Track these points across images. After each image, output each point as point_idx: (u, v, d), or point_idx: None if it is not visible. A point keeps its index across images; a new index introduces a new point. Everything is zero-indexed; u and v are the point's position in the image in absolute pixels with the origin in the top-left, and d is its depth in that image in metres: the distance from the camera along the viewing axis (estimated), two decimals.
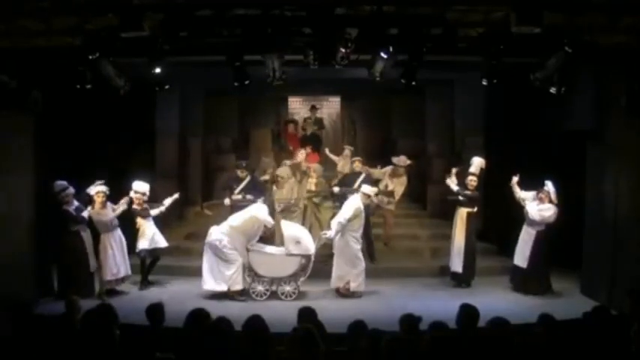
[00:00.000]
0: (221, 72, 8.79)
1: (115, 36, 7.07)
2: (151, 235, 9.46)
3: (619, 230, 8.49)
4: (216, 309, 5.59)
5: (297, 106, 15.11)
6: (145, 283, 9.47)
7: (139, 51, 7.75)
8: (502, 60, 7.98)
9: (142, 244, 9.40)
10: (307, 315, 5.61)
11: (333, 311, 7.58)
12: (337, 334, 5.32)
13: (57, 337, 5.08)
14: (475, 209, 9.73)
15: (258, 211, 9.14)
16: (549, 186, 9.20)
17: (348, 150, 12.26)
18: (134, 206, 9.41)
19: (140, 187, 9.48)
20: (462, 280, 9.71)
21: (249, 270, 8.99)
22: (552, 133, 10.27)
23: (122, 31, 6.76)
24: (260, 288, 8.97)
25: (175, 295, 8.89)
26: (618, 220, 8.52)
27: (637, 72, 7.84)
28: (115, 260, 9.03)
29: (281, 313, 6.78)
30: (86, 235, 8.97)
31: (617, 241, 8.51)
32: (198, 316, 4.88)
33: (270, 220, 9.21)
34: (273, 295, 9.04)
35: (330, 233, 9.02)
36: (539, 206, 9.20)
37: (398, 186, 10.84)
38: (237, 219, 9.07)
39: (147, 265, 9.52)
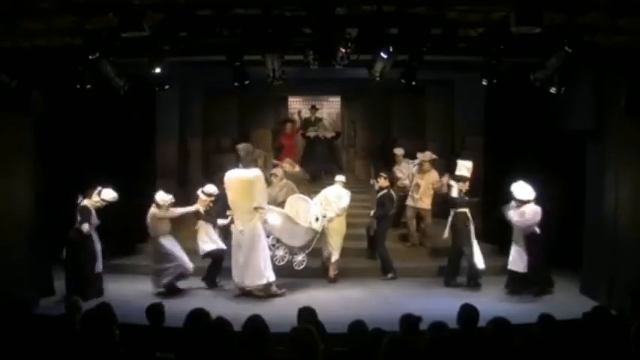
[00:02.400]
0: (221, 72, 8.79)
1: (115, 36, 7.06)
2: (213, 237, 9.51)
3: (619, 230, 8.49)
4: (216, 309, 5.59)
5: (297, 106, 15.10)
6: (212, 283, 9.55)
7: (139, 51, 7.76)
8: (502, 60, 7.99)
9: (208, 246, 9.43)
10: (307, 315, 5.62)
11: (333, 311, 7.57)
12: (337, 334, 5.32)
13: (57, 337, 5.08)
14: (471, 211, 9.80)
15: (240, 172, 9.12)
16: (513, 190, 9.11)
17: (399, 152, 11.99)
18: (200, 208, 9.44)
19: (211, 190, 9.52)
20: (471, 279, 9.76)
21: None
22: (552, 133, 10.27)
23: (122, 31, 6.75)
24: (281, 252, 9.48)
25: (175, 295, 8.90)
26: (618, 220, 8.51)
27: (637, 72, 7.84)
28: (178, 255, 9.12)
29: (281, 313, 6.78)
30: (96, 236, 8.96)
31: (617, 241, 8.51)
32: (198, 316, 4.88)
33: (257, 171, 9.27)
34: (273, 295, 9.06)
35: (331, 216, 9.88)
36: (519, 210, 9.06)
37: (426, 180, 10.91)
38: (233, 194, 9.03)
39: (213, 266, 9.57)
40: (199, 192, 9.57)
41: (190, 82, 12.17)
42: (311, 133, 13.56)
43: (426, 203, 10.99)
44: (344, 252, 10.30)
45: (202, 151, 13.27)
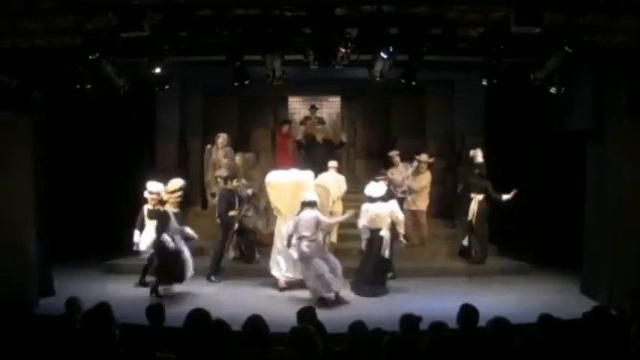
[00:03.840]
0: (221, 72, 8.79)
1: (115, 36, 7.07)
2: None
3: (619, 230, 8.48)
4: (216, 309, 5.59)
5: (297, 106, 15.07)
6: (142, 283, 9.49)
7: (139, 51, 7.76)
8: (502, 60, 7.99)
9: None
10: (307, 315, 5.61)
11: (333, 311, 7.58)
12: (337, 334, 5.33)
13: (57, 337, 5.08)
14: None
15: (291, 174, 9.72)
16: (366, 188, 9.48)
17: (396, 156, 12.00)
18: (148, 207, 9.37)
19: (154, 187, 9.44)
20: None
21: None
22: (552, 133, 10.27)
23: (122, 31, 6.75)
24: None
25: (175, 295, 8.90)
26: (618, 220, 8.51)
27: (637, 72, 7.84)
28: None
29: (281, 313, 6.78)
30: (178, 238, 9.01)
31: (617, 241, 8.51)
32: (198, 316, 4.88)
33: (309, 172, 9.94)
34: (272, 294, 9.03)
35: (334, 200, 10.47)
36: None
37: (419, 182, 11.09)
38: (283, 196, 9.39)
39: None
40: (145, 193, 9.38)
41: (190, 82, 12.17)
42: (302, 139, 13.44)
43: (420, 205, 11.10)
44: (344, 252, 10.32)
45: (202, 151, 13.24)
